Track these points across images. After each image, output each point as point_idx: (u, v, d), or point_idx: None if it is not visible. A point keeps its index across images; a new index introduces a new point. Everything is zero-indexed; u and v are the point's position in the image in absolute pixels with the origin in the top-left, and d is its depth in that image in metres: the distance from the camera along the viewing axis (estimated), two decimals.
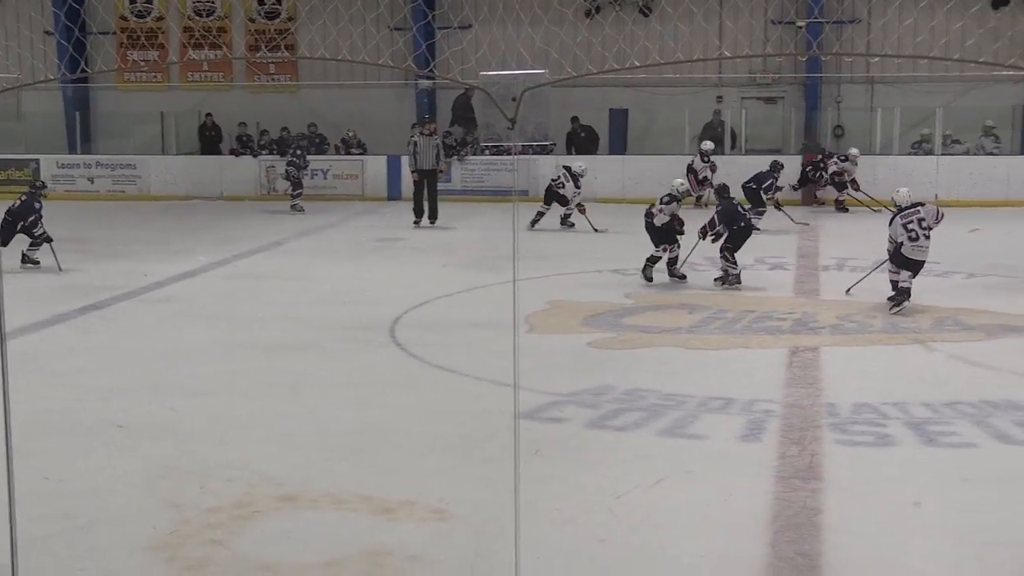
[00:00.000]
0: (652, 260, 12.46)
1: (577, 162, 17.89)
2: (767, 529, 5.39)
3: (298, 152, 21.33)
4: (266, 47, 25.43)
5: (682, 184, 12.89)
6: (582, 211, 17.17)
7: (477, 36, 21.87)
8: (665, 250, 12.40)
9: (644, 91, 23.10)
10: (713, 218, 12.36)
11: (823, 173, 20.20)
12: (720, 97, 24.17)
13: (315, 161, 22.15)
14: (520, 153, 21.37)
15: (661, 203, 12.39)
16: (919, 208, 10.90)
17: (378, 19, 21.79)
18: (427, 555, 5.13)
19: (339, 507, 5.72)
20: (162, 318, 11.10)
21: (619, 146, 23.62)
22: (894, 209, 11.15)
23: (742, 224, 12.27)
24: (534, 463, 6.13)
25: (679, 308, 11.23)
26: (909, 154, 21.99)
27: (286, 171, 21.15)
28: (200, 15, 26.04)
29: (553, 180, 17.63)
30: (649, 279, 12.42)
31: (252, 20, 26.01)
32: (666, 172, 20.85)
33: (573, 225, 17.52)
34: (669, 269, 12.48)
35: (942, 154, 21.66)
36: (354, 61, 21.81)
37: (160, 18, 26.34)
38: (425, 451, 6.72)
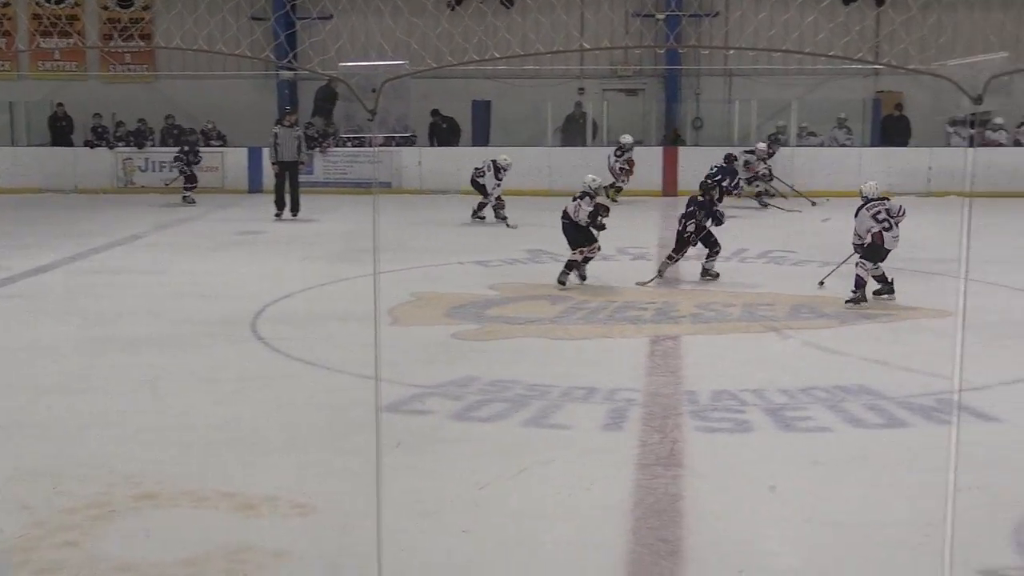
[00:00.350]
0: (570, 265, 11.92)
1: (503, 155, 17.64)
2: (629, 516, 5.45)
3: (186, 149, 21.26)
4: (120, 36, 24.85)
5: (594, 180, 12.26)
6: (500, 205, 17.05)
7: (337, 27, 21.66)
8: (581, 253, 11.92)
9: (506, 83, 23.23)
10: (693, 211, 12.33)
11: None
12: (582, 89, 24.42)
13: (171, 153, 21.78)
14: (381, 145, 21.28)
15: (575, 200, 11.99)
16: (885, 200, 11.06)
17: (237, 8, 21.40)
18: (290, 551, 5.07)
19: (199, 505, 5.61)
20: (13, 314, 10.79)
21: (482, 138, 23.67)
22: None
23: (703, 216, 12.25)
24: (398, 456, 6.11)
25: (542, 299, 11.29)
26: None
27: (176, 166, 21.15)
28: (49, 1, 25.29)
29: (476, 169, 17.52)
30: (562, 283, 11.79)
31: (105, 8, 25.40)
32: (528, 164, 21.13)
33: (506, 219, 16.91)
34: (578, 270, 11.99)
35: (797, 145, 22.25)
36: (211, 51, 21.39)
37: (6, 4, 25.53)
38: (287, 446, 6.65)
